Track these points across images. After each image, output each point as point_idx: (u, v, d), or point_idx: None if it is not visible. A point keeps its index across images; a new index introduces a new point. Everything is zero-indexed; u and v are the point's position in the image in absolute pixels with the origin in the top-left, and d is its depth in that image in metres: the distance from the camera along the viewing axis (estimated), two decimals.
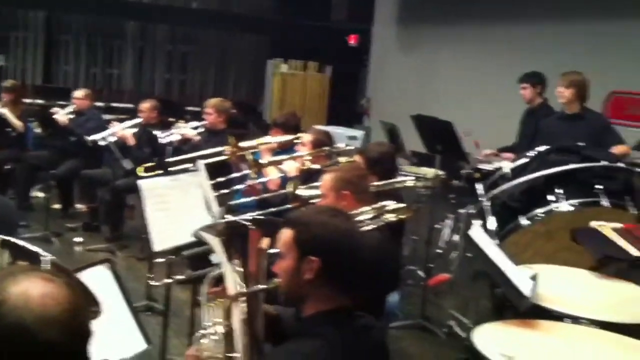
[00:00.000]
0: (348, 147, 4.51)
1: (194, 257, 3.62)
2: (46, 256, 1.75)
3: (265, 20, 11.75)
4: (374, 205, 2.83)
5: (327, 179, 2.89)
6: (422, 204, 5.43)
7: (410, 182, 3.73)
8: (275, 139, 4.97)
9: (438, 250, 5.28)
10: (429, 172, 5.26)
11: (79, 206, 6.73)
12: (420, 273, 5.05)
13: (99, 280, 2.27)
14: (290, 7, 11.32)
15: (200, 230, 2.25)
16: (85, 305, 1.32)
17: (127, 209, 6.17)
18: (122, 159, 5.75)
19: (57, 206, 6.67)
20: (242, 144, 4.82)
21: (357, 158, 3.68)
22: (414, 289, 5.03)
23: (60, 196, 6.72)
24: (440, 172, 4.91)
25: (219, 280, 2.31)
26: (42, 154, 6.71)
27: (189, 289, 4.17)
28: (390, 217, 2.84)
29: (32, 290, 1.24)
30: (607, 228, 3.03)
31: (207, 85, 11.86)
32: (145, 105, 6.34)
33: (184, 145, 5.71)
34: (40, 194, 6.77)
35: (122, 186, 5.83)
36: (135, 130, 6.17)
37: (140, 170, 5.34)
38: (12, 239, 1.87)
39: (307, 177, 4.00)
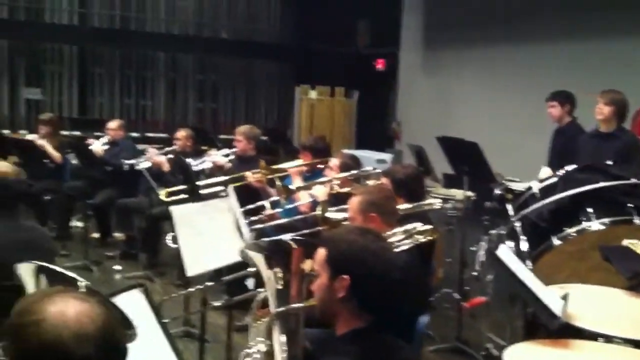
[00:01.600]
0: (375, 170, 4.57)
1: (230, 283, 3.70)
2: (82, 282, 1.82)
3: (291, 48, 11.94)
4: (401, 228, 2.87)
5: (354, 201, 2.94)
6: (452, 225, 5.44)
7: (438, 204, 3.75)
8: (304, 163, 5.07)
9: (473, 273, 5.25)
10: (458, 193, 5.27)
11: (117, 235, 6.87)
12: (456, 295, 5.03)
13: (133, 305, 2.33)
14: (316, 34, 11.47)
15: (247, 248, 2.33)
16: (119, 325, 1.37)
17: (164, 236, 6.28)
18: (156, 187, 5.88)
19: (95, 235, 6.84)
20: (273, 167, 4.94)
21: (384, 181, 3.72)
22: (449, 312, 5.01)
23: (98, 225, 6.88)
24: (470, 194, 4.92)
25: (266, 302, 2.37)
26: (79, 184, 6.88)
27: (226, 315, 4.23)
28: (419, 238, 2.87)
29: (69, 309, 1.29)
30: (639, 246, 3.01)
31: (238, 112, 12.05)
32: (181, 133, 6.50)
33: (217, 172, 5.82)
34: (79, 224, 6.95)
35: (157, 214, 5.95)
36: (170, 156, 6.31)
37: (164, 195, 5.45)
38: (49, 265, 1.95)
39: (336, 200, 4.06)
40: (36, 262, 1.94)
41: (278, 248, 2.19)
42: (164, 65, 11.54)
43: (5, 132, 8.61)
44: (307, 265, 2.15)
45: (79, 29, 10.82)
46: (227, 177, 5.20)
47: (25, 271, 1.91)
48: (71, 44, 10.87)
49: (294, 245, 2.14)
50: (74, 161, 7.07)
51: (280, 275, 2.13)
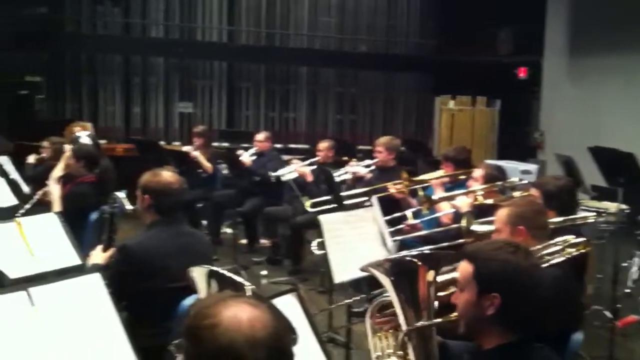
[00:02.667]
0: (522, 182, 4.47)
1: (372, 290, 3.78)
2: (249, 286, 1.95)
3: (430, 59, 11.92)
4: (552, 241, 2.80)
5: (501, 213, 2.91)
6: (604, 240, 5.19)
7: (591, 217, 3.60)
8: (446, 173, 5.06)
9: (626, 290, 5.00)
10: (612, 206, 5.03)
11: (263, 241, 7.19)
12: (607, 313, 4.80)
13: (288, 309, 2.45)
14: (455, 44, 11.37)
15: (369, 266, 2.39)
16: (287, 330, 1.43)
17: (307, 243, 6.50)
18: (301, 196, 6.10)
19: (243, 241, 7.18)
20: (415, 178, 4.97)
21: (532, 192, 3.64)
22: (600, 331, 4.79)
23: (246, 232, 7.22)
24: (624, 207, 4.69)
25: (382, 308, 2.42)
26: (229, 192, 7.26)
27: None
28: (571, 252, 2.79)
29: (242, 314, 1.36)
30: None
31: (376, 124, 12.19)
32: (324, 144, 6.69)
33: (357, 183, 5.94)
34: (229, 230, 7.33)
35: (301, 222, 6.17)
36: (313, 167, 6.52)
37: (307, 204, 5.63)
38: (220, 270, 2.11)
39: (480, 211, 4.02)
40: (208, 266, 2.10)
41: (402, 267, 2.21)
42: (306, 79, 11.92)
43: (161, 143, 9.24)
44: (430, 276, 2.17)
45: (228, 46, 11.43)
46: (369, 188, 5.29)
47: (198, 275, 2.07)
48: (220, 60, 11.50)
49: (418, 263, 2.17)
50: (224, 171, 7.48)
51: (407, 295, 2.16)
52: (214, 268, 2.12)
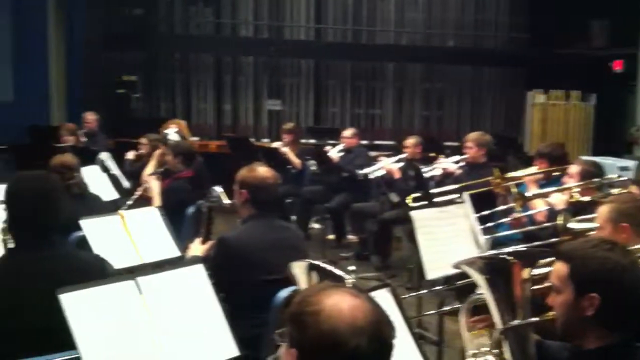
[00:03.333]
0: (621, 178, 4.32)
1: (462, 288, 3.75)
2: (348, 279, 1.99)
3: (521, 53, 11.61)
4: None
5: (603, 210, 2.83)
6: None
7: None
8: (540, 170, 4.94)
9: None
10: None
11: (351, 237, 7.25)
12: None
13: (382, 303, 2.47)
14: (547, 37, 11.03)
15: (462, 264, 2.37)
16: (387, 320, 1.46)
17: (394, 240, 6.50)
18: (389, 193, 6.11)
19: (331, 237, 7.26)
20: (507, 175, 4.87)
21: (633, 189, 3.51)
22: None
23: (334, 227, 7.29)
24: None
25: (476, 308, 2.40)
26: (317, 188, 7.36)
27: (458, 320, 4.27)
28: None
29: (343, 302, 1.41)
30: None
31: (464, 120, 12.00)
32: (410, 141, 6.67)
33: (446, 179, 5.89)
34: (317, 225, 7.43)
35: (389, 218, 6.18)
36: (400, 164, 6.51)
37: (409, 200, 5.60)
38: (319, 263, 2.16)
39: (576, 209, 3.91)
40: (308, 260, 2.16)
41: (496, 265, 2.19)
42: (392, 75, 11.88)
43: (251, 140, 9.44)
44: (525, 274, 2.13)
45: (315, 44, 11.55)
46: (460, 185, 5.24)
47: (299, 268, 2.13)
48: (307, 58, 11.63)
49: (513, 261, 2.13)
50: (313, 167, 7.58)
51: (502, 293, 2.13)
52: (315, 261, 2.17)
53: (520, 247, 3.62)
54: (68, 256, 2.55)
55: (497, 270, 2.19)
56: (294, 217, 7.36)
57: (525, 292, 2.14)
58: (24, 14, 8.48)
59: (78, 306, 2.08)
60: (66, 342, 2.06)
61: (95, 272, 2.47)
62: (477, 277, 2.25)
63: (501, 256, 2.25)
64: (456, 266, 2.39)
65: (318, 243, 6.72)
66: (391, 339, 1.45)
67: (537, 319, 2.12)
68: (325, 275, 2.04)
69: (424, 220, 3.58)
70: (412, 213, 3.56)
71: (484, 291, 2.24)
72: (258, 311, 3.00)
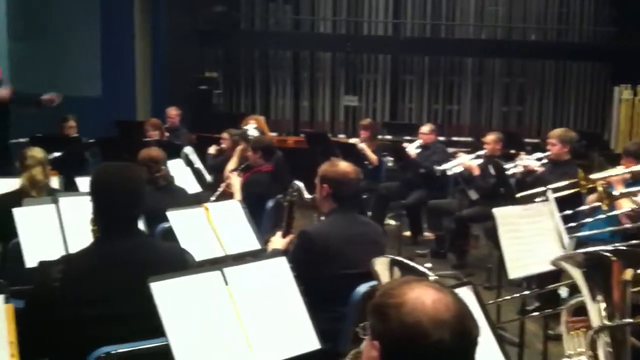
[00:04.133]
0: None
1: (543, 289, 3.67)
2: (432, 275, 1.99)
3: (608, 47, 11.19)
4: None
5: None
6: None
7: None
8: (627, 169, 4.76)
9: None
10: None
11: (427, 234, 7.19)
12: None
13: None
14: (635, 30, 10.58)
15: (560, 260, 2.32)
16: (470, 315, 1.44)
17: (472, 238, 6.41)
18: (467, 190, 6.02)
19: (407, 233, 7.22)
20: (592, 176, 4.71)
21: None
22: None
23: (410, 224, 7.25)
24: None
25: (577, 309, 2.34)
26: (394, 184, 7.33)
27: (537, 321, 4.18)
28: None
29: (425, 296, 1.41)
30: None
31: (545, 116, 11.68)
32: (491, 137, 6.54)
33: (527, 176, 5.76)
34: (393, 222, 7.40)
35: (467, 216, 6.09)
36: (479, 161, 6.41)
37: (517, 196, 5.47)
38: (402, 259, 2.17)
39: None
40: (391, 256, 2.17)
41: (596, 262, 2.12)
42: (471, 70, 11.69)
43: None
44: (628, 274, 2.07)
45: (393, 39, 11.49)
46: (554, 186, 5.07)
47: (381, 264, 2.14)
48: (385, 53, 11.60)
49: (612, 258, 2.07)
50: (389, 163, 7.56)
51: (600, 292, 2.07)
52: (397, 257, 2.18)
53: (620, 246, 3.50)
54: (151, 245, 2.61)
55: (595, 267, 2.14)
56: (369, 213, 7.36)
57: (626, 293, 2.07)
58: (111, 13, 8.82)
59: (167, 294, 2.15)
60: (153, 329, 2.13)
61: (177, 261, 2.53)
62: (574, 272, 2.19)
63: (601, 253, 2.19)
64: (554, 263, 2.34)
65: (393, 240, 6.68)
66: (475, 335, 1.43)
67: (631, 320, 2.05)
68: (408, 270, 2.05)
69: (507, 217, 3.51)
70: (495, 210, 3.49)
71: (580, 286, 2.19)
72: (337, 305, 3.02)
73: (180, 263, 2.54)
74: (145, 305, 2.11)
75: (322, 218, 3.47)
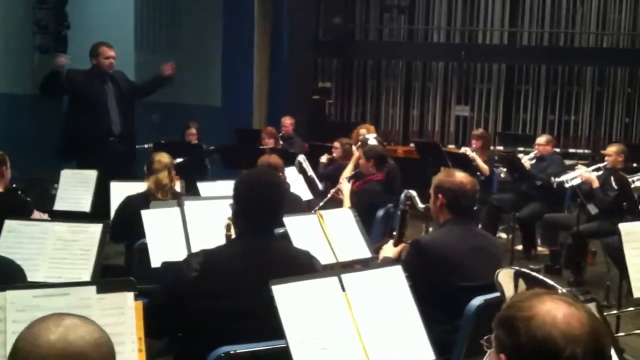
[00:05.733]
0: None
1: None
2: (560, 289, 1.92)
3: None
4: None
5: None
6: None
7: None
8: None
9: None
10: None
11: (541, 249, 6.96)
12: None
13: None
14: None
15: None
16: (605, 331, 1.41)
17: (589, 254, 6.15)
18: (586, 203, 5.79)
19: (519, 247, 7.02)
20: None
21: None
22: None
23: (523, 238, 7.05)
24: None
25: None
26: (506, 196, 7.15)
27: None
28: None
29: (557, 309, 1.37)
30: None
31: None
32: (612, 149, 6.28)
33: None
34: (504, 235, 7.22)
35: (585, 231, 5.86)
36: (599, 173, 6.15)
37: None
38: (528, 271, 2.12)
39: None
40: (515, 267, 2.13)
41: None
42: (591, 80, 11.23)
43: None
44: None
45: (508, 48, 11.25)
46: None
47: (504, 276, 2.11)
48: (500, 62, 11.36)
49: None
50: (502, 175, 7.39)
51: None
52: (523, 269, 2.14)
53: None
54: (285, 249, 2.73)
55: None
56: (480, 225, 7.23)
57: None
58: (232, 26, 9.20)
59: (287, 297, 2.22)
60: (272, 329, 2.20)
61: (306, 266, 2.61)
62: None
63: None
64: None
65: (505, 253, 6.53)
66: (608, 352, 1.39)
67: None
68: (534, 283, 1.99)
69: (633, 234, 3.37)
70: (621, 226, 3.36)
71: None
72: (451, 317, 2.99)
73: (308, 268, 2.61)
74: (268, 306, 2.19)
75: (431, 229, 3.46)
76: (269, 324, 2.22)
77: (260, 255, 2.53)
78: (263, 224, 2.58)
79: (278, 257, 2.57)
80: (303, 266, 2.59)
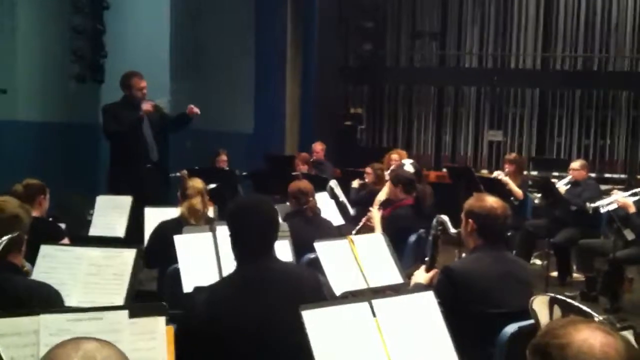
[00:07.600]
0: None
1: None
2: (597, 317, 1.89)
3: None
4: None
5: None
6: None
7: None
8: None
9: None
10: None
11: (576, 275, 6.84)
12: None
13: None
14: None
15: None
16: None
17: (626, 281, 6.02)
18: (623, 229, 5.69)
19: (554, 274, 6.90)
20: None
21: None
22: None
23: (558, 264, 6.93)
24: None
25: None
26: (541, 222, 7.06)
27: None
28: None
29: (593, 338, 1.35)
30: None
31: None
32: None
33: None
34: (539, 261, 7.11)
35: (622, 257, 5.74)
36: (635, 198, 6.04)
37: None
38: (564, 298, 2.09)
39: None
40: (550, 294, 2.10)
41: None
42: (626, 104, 11.08)
43: None
44: None
45: (541, 72, 11.18)
46: None
47: (539, 303, 2.08)
48: (533, 87, 11.29)
49: None
50: (536, 200, 7.29)
51: None
52: (559, 296, 2.11)
53: None
54: (284, 267, 2.78)
55: None
56: (514, 252, 7.13)
57: None
58: (264, 53, 9.34)
59: (317, 323, 2.22)
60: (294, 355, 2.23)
61: (307, 281, 2.67)
62: None
63: None
64: None
65: (540, 280, 6.42)
66: None
67: None
68: (570, 310, 1.97)
69: None
70: None
71: None
72: (483, 344, 2.96)
73: (311, 283, 2.68)
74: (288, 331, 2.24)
75: (463, 255, 3.43)
76: (279, 348, 2.28)
77: (261, 280, 2.58)
78: (256, 247, 2.62)
79: (277, 277, 2.61)
80: (303, 280, 2.65)
